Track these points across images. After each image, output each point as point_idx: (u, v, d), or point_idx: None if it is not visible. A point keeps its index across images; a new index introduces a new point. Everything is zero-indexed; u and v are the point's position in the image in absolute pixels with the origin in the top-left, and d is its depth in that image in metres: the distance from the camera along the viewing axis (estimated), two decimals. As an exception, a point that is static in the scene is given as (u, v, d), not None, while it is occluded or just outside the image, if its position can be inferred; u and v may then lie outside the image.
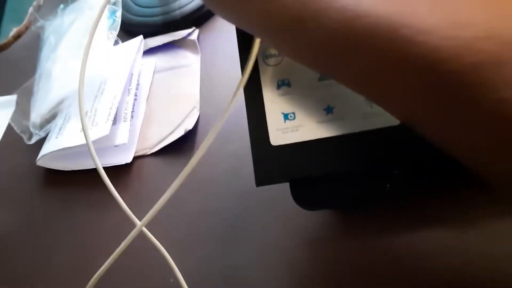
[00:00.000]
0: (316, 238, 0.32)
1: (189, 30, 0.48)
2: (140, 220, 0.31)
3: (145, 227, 0.31)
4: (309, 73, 0.30)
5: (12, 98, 0.50)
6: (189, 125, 0.41)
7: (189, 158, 0.41)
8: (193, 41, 0.47)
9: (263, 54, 0.31)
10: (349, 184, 0.30)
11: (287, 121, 0.30)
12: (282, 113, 0.30)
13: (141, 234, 0.31)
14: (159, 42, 0.48)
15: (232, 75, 0.44)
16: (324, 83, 0.30)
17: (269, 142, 0.30)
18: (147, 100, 0.45)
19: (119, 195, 0.32)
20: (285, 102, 0.30)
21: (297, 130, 0.30)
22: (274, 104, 0.31)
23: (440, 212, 0.30)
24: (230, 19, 0.24)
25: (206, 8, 0.49)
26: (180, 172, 0.39)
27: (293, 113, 0.30)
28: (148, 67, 0.47)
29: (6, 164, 0.44)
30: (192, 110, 0.42)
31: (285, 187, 0.32)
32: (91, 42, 0.32)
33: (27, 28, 0.58)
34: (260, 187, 0.35)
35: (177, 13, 0.49)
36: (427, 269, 0.28)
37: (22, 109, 0.46)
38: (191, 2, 0.49)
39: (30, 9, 0.59)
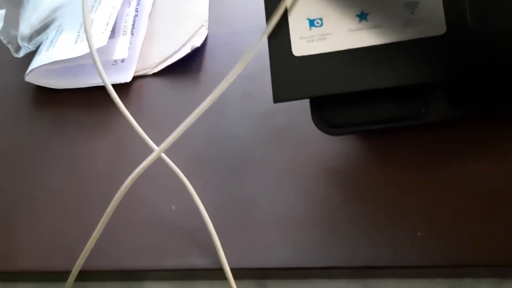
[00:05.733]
0: (336, 166, 0.29)
1: None
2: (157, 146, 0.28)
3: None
4: (342, -27, 0.26)
5: (1, 13, 0.45)
6: (196, 42, 0.36)
7: (196, 80, 0.37)
8: (202, -46, 0.42)
9: (288, -51, 0.27)
10: (380, 105, 0.27)
11: (313, 28, 0.26)
12: (308, 18, 0.26)
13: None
14: (165, -46, 0.43)
15: (246, -9, 0.39)
16: (358, -15, 0.26)
17: (291, 52, 0.26)
18: (149, 17, 0.40)
19: (131, 115, 0.28)
20: (311, 5, 0.26)
21: (325, 38, 0.26)
22: (299, 8, 0.26)
23: (478, 139, 0.27)
24: None
25: None
26: (186, 93, 0.36)
27: (320, 19, 0.26)
28: (152, -19, 0.42)
29: (-9, 80, 0.40)
30: (200, 28, 0.38)
31: (304, 112, 0.28)
32: None
33: None
34: (277, 110, 0.31)
35: None
36: (463, 199, 0.25)
37: (10, 18, 0.41)
38: None
39: None
